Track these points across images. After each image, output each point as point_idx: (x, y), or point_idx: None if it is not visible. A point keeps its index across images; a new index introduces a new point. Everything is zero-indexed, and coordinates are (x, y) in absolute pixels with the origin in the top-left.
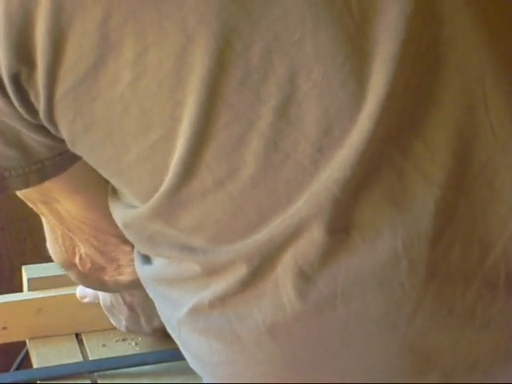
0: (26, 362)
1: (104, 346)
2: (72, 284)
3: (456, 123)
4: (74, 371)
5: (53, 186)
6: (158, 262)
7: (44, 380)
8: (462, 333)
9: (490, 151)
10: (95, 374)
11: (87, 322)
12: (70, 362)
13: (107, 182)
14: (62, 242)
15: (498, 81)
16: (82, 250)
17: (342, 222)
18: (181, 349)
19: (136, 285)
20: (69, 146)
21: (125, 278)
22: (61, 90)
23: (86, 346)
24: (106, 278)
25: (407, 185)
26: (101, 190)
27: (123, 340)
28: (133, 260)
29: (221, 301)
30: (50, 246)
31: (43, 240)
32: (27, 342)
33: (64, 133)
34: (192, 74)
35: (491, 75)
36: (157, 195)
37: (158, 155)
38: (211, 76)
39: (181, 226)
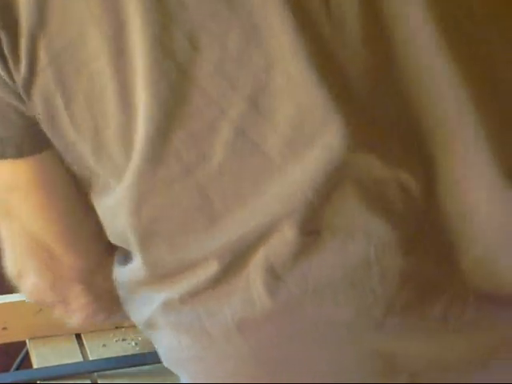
0: (26, 362)
1: (104, 345)
2: None
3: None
4: (73, 371)
5: (23, 174)
6: (135, 263)
7: (44, 380)
8: (433, 339)
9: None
10: (95, 373)
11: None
12: (69, 362)
13: (77, 196)
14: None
15: None
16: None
17: (314, 224)
18: (154, 344)
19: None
20: (44, 124)
21: (73, 321)
22: (44, 59)
23: (85, 345)
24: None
25: (384, 191)
26: (68, 204)
27: (123, 340)
28: (86, 305)
29: (191, 297)
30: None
31: None
32: (27, 342)
33: (41, 108)
34: (168, 55)
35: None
36: (128, 173)
37: (128, 133)
38: (184, 58)
39: (143, 215)
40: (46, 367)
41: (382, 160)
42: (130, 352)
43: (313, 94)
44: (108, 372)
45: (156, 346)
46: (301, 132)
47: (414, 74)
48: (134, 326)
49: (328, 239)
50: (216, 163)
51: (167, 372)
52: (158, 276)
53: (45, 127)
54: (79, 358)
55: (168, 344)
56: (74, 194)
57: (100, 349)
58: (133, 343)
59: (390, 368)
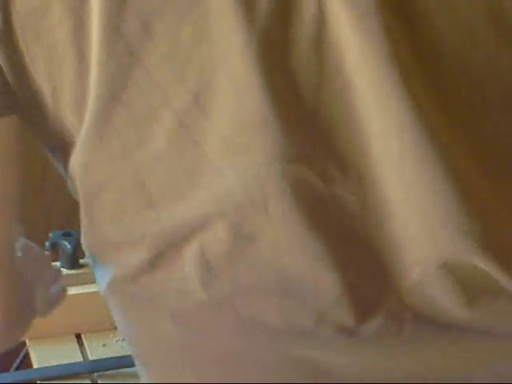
0: (26, 362)
1: (104, 345)
2: (72, 284)
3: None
4: (73, 371)
5: None
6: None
7: (44, 380)
8: (366, 355)
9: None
10: (95, 374)
11: (87, 322)
12: (69, 362)
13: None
14: None
15: None
16: None
17: (247, 230)
18: None
19: None
20: (14, 80)
21: None
22: (14, 20)
23: (85, 346)
24: None
25: (321, 206)
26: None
27: (123, 340)
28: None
29: (132, 278)
30: None
31: (42, 241)
32: (27, 342)
33: (14, 60)
34: (119, 35)
35: None
36: (77, 142)
37: (80, 104)
38: (135, 41)
39: (87, 182)
40: (46, 367)
41: (320, 175)
42: (129, 352)
43: (255, 99)
44: (108, 372)
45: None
46: (240, 135)
47: (361, 89)
48: None
49: (263, 247)
50: (154, 150)
51: None
52: (102, 244)
53: (9, 76)
54: (79, 358)
55: (119, 321)
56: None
57: (100, 349)
58: None
59: (311, 377)
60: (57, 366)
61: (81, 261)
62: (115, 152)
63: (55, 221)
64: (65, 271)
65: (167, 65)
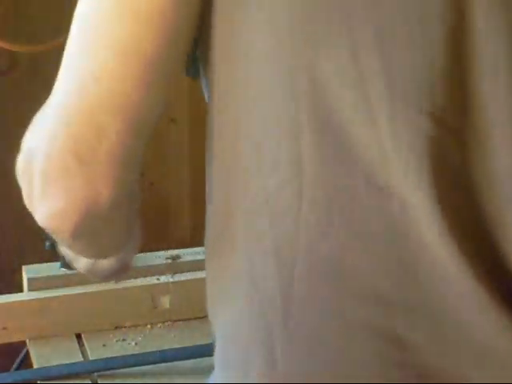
0: (26, 362)
1: (104, 345)
2: (72, 284)
3: None
4: (74, 371)
5: None
6: None
7: (44, 380)
8: None
9: None
10: (95, 374)
11: (87, 322)
12: (69, 361)
13: None
14: None
15: None
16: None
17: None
18: None
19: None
20: None
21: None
22: None
23: (86, 346)
24: None
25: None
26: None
27: (123, 340)
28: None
29: None
30: None
31: (43, 240)
32: (27, 342)
33: None
34: None
35: None
36: None
37: None
38: None
39: None
40: (46, 367)
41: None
42: (129, 352)
43: None
44: (108, 372)
45: None
46: None
47: None
48: (134, 326)
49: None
50: None
51: (167, 372)
52: None
53: None
54: (79, 358)
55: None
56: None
57: (100, 349)
58: (133, 343)
59: None
60: (57, 365)
61: None
62: None
63: None
64: (65, 271)
65: None
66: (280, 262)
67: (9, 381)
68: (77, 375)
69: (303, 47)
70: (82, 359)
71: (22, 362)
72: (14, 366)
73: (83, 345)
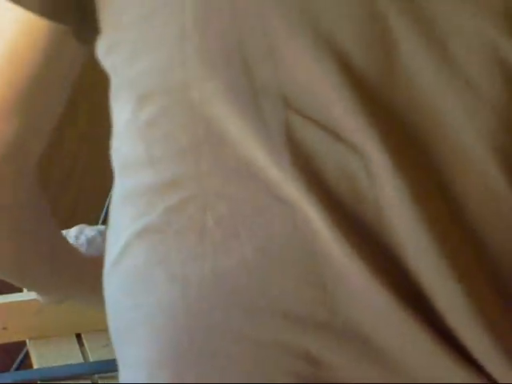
0: (26, 362)
1: (104, 346)
2: None
3: None
4: (74, 372)
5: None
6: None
7: (44, 380)
8: None
9: None
10: (96, 375)
11: (87, 322)
12: (70, 362)
13: None
14: None
15: None
16: None
17: None
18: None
19: None
20: None
21: None
22: None
23: (86, 346)
24: None
25: None
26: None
27: None
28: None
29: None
30: None
31: None
32: (27, 342)
33: None
34: None
35: None
36: None
37: None
38: None
39: None
40: (47, 368)
41: None
42: None
43: None
44: (109, 374)
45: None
46: None
47: None
48: None
49: None
50: None
51: None
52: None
53: None
54: (79, 359)
55: (115, 295)
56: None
57: (100, 349)
58: None
59: None
60: (57, 366)
61: None
62: None
63: (56, 220)
64: None
65: None
66: (185, 283)
67: (9, 381)
68: (77, 376)
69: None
70: (83, 360)
71: (21, 362)
72: (14, 366)
73: (83, 345)
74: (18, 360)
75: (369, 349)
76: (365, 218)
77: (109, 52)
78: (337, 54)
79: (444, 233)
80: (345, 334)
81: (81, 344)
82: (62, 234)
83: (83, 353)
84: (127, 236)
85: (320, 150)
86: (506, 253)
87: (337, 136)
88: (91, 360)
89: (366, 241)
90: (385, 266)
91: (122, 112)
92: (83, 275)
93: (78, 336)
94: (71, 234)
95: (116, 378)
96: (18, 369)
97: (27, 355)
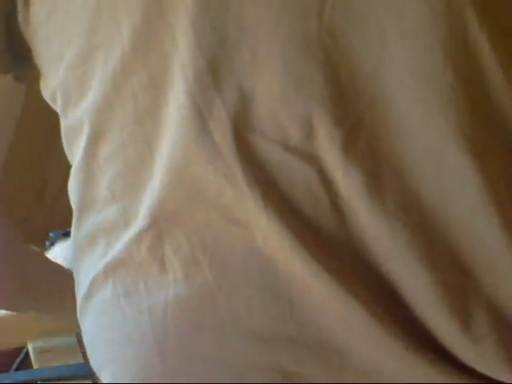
0: (26, 362)
1: None
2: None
3: None
4: (74, 373)
5: None
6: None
7: (44, 381)
8: None
9: None
10: (96, 375)
11: None
12: (69, 362)
13: None
14: None
15: None
16: None
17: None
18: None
19: None
20: (29, 36)
21: None
22: None
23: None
24: None
25: None
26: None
27: None
28: None
29: (113, 269)
30: None
31: (42, 240)
32: (27, 342)
33: (32, 17)
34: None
35: None
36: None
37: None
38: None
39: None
40: (47, 368)
41: None
42: None
43: None
44: None
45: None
46: None
47: None
48: None
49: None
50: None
51: None
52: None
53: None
54: (79, 359)
55: (90, 332)
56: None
57: None
58: None
59: None
60: (57, 366)
61: None
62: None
63: (55, 221)
64: None
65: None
66: (152, 312)
67: (9, 381)
68: (77, 377)
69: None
70: (83, 360)
71: (21, 362)
72: (14, 366)
73: (83, 345)
74: (17, 360)
75: (341, 357)
76: (326, 224)
77: (53, 98)
78: None
79: (407, 223)
80: (318, 345)
81: (81, 344)
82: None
83: (83, 353)
84: (94, 272)
85: (271, 160)
86: (463, 229)
87: (286, 145)
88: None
89: (328, 249)
90: (351, 271)
91: (77, 151)
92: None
93: (79, 336)
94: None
95: None
96: (17, 369)
97: (27, 355)
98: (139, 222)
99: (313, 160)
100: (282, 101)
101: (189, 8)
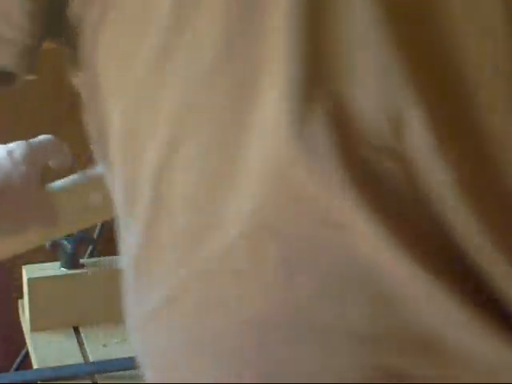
0: (26, 362)
1: (104, 346)
2: (72, 284)
3: None
4: (74, 373)
5: None
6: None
7: (44, 381)
8: None
9: None
10: (95, 375)
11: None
12: (70, 362)
13: None
14: None
15: None
16: None
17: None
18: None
19: None
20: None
21: None
22: None
23: (86, 346)
24: None
25: None
26: None
27: (123, 341)
28: None
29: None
30: None
31: None
32: (27, 342)
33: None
34: None
35: None
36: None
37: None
38: None
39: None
40: (47, 368)
41: None
42: (130, 353)
43: None
44: (109, 374)
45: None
46: None
47: None
48: None
49: None
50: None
51: None
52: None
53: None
54: (79, 358)
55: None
56: None
57: (100, 349)
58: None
59: None
60: (57, 367)
61: (81, 260)
62: None
63: None
64: (65, 271)
65: None
66: (253, 325)
67: (9, 381)
68: (77, 377)
69: None
70: (83, 360)
71: (21, 362)
72: (14, 366)
73: (83, 345)
74: (17, 360)
75: (455, 357)
76: (420, 222)
77: (111, 93)
78: None
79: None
80: (427, 348)
81: (81, 344)
82: None
83: (83, 353)
84: (172, 282)
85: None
86: None
87: (379, 145)
88: (91, 360)
89: (426, 247)
90: (449, 270)
91: (146, 156)
92: None
93: (78, 336)
94: None
95: (116, 378)
96: (17, 369)
97: (27, 355)
98: (227, 231)
99: (405, 160)
100: (376, 103)
101: (284, 9)
